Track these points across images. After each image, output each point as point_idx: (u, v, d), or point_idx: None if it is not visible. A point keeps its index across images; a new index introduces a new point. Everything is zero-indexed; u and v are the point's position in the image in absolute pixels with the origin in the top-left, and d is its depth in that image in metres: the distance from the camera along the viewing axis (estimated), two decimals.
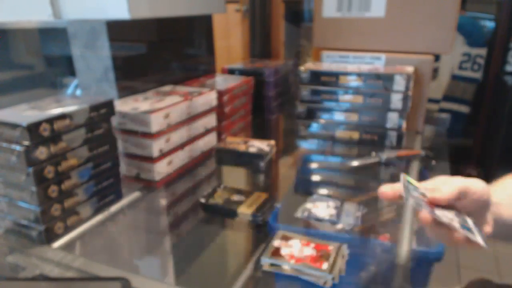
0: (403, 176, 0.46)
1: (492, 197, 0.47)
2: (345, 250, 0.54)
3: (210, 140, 0.91)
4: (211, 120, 0.90)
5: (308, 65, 1.01)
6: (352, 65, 1.04)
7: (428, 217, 0.41)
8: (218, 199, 0.68)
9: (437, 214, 0.42)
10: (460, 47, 2.17)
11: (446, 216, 0.43)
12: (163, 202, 0.75)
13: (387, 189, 0.45)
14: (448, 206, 0.44)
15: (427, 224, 0.42)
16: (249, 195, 0.69)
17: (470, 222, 0.44)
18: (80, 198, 0.61)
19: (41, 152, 0.54)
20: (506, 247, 1.53)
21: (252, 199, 0.68)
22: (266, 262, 0.52)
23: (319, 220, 0.64)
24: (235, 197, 0.69)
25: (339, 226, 0.62)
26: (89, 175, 0.62)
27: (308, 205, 0.67)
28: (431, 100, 1.16)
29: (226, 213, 0.66)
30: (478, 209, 0.46)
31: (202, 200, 0.68)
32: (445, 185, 0.45)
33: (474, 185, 0.45)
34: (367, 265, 0.56)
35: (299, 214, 0.65)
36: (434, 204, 0.44)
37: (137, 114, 0.71)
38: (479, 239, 0.42)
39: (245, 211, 0.64)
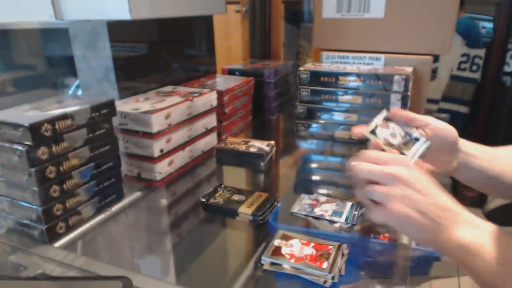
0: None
1: (465, 147, 0.56)
2: (344, 249, 0.55)
3: (210, 140, 0.92)
4: (211, 120, 0.91)
5: (308, 66, 1.01)
6: (351, 65, 1.04)
7: (358, 132, 0.53)
8: (219, 198, 0.69)
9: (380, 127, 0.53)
10: (459, 48, 2.18)
11: (394, 131, 0.53)
12: (164, 201, 0.76)
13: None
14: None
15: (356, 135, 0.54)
16: (250, 195, 0.70)
17: (417, 145, 0.52)
18: (82, 198, 0.62)
19: (43, 152, 0.54)
20: None
21: (253, 199, 0.68)
22: (266, 261, 0.53)
23: (319, 219, 0.64)
24: (236, 197, 0.69)
25: (339, 225, 0.62)
26: (91, 175, 0.62)
27: (308, 204, 0.68)
28: (430, 101, 1.16)
29: (227, 212, 0.67)
30: (442, 147, 0.54)
31: (203, 200, 0.68)
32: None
33: (436, 122, 0.54)
34: (367, 265, 0.56)
35: (295, 209, 0.66)
36: (395, 115, 0.55)
37: (138, 114, 0.71)
38: (408, 153, 0.50)
39: (245, 210, 0.65)
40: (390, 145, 0.51)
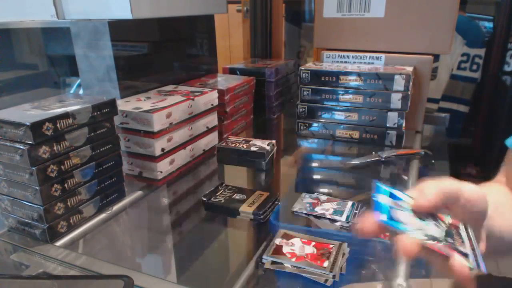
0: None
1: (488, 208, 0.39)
2: (345, 248, 0.55)
3: (211, 139, 0.92)
4: (212, 119, 0.91)
5: (309, 65, 1.02)
6: (352, 65, 1.04)
7: (409, 250, 0.33)
8: (220, 197, 0.69)
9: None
10: (460, 48, 2.18)
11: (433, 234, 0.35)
12: (165, 200, 0.76)
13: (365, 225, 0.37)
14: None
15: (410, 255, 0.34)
16: (251, 194, 0.70)
17: (465, 234, 0.36)
18: (83, 197, 0.62)
19: (44, 151, 0.54)
20: None
21: (254, 198, 0.68)
22: (267, 260, 0.53)
23: (320, 218, 0.64)
24: (237, 196, 0.69)
25: (340, 224, 0.62)
26: (92, 174, 0.63)
27: (308, 203, 0.68)
28: (430, 100, 1.16)
29: (228, 211, 0.67)
30: (471, 222, 0.38)
31: (204, 199, 0.69)
32: (428, 187, 0.36)
33: (468, 188, 0.37)
34: (368, 263, 0.56)
35: (296, 208, 0.66)
36: (418, 211, 0.36)
37: (140, 114, 0.71)
38: (467, 251, 0.34)
39: (246, 209, 0.65)
40: (434, 239, 0.35)
